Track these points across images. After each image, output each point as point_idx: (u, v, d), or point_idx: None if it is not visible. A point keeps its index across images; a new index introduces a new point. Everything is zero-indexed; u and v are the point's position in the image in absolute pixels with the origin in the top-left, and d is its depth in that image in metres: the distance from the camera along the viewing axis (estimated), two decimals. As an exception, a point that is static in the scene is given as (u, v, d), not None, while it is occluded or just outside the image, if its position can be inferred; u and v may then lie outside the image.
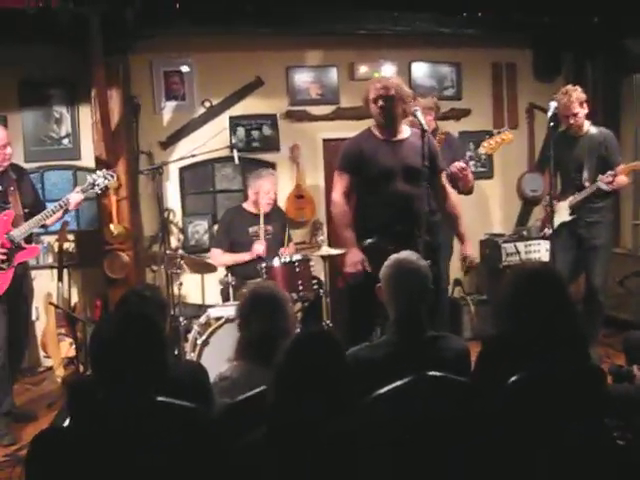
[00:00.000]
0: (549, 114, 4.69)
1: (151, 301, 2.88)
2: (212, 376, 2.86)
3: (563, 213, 5.10)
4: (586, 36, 6.43)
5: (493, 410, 2.38)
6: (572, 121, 4.97)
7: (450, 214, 4.35)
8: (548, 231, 4.95)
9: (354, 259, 4.06)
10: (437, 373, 2.46)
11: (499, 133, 5.12)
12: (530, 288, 2.53)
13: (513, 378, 2.34)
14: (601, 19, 6.13)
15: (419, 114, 4.01)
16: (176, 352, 4.84)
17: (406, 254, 2.91)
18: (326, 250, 4.93)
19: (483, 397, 2.43)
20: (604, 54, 6.61)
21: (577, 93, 4.93)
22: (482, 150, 5.12)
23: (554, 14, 6.05)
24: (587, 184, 5.01)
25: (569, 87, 5.02)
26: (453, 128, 6.38)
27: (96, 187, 4.62)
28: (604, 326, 5.40)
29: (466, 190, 5.12)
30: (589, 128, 5.06)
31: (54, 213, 4.47)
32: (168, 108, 6.22)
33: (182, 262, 5.05)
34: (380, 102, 4.10)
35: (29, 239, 4.49)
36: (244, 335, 2.92)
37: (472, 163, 5.41)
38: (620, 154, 5.14)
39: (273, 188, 5.46)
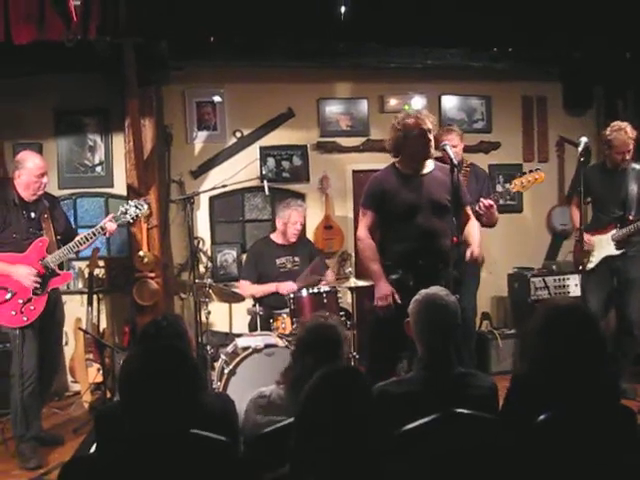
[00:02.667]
0: (580, 148, 4.68)
1: (169, 330, 2.89)
2: (238, 406, 2.88)
3: (606, 247, 5.08)
4: (618, 71, 6.41)
5: (520, 448, 2.35)
6: (628, 157, 4.98)
7: (467, 234, 4.29)
8: (590, 265, 5.02)
9: (383, 292, 4.05)
10: (464, 410, 2.44)
11: (531, 172, 5.08)
12: (561, 324, 2.49)
13: (541, 417, 2.32)
14: (633, 55, 6.11)
15: (449, 148, 4.01)
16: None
17: (435, 289, 2.90)
18: (354, 282, 4.92)
19: (510, 435, 2.41)
20: (635, 90, 6.58)
21: (630, 129, 4.96)
22: (513, 188, 5.08)
23: (585, 49, 6.04)
24: (631, 217, 5.01)
25: (620, 123, 5.03)
26: (483, 161, 6.37)
27: (127, 216, 4.67)
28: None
29: (489, 225, 5.09)
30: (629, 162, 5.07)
31: (87, 241, 4.53)
32: (200, 138, 6.29)
33: (210, 291, 5.08)
34: (428, 136, 4.07)
35: (61, 265, 4.56)
36: (295, 366, 2.89)
37: (501, 200, 5.37)
38: None
39: (300, 219, 5.49)
